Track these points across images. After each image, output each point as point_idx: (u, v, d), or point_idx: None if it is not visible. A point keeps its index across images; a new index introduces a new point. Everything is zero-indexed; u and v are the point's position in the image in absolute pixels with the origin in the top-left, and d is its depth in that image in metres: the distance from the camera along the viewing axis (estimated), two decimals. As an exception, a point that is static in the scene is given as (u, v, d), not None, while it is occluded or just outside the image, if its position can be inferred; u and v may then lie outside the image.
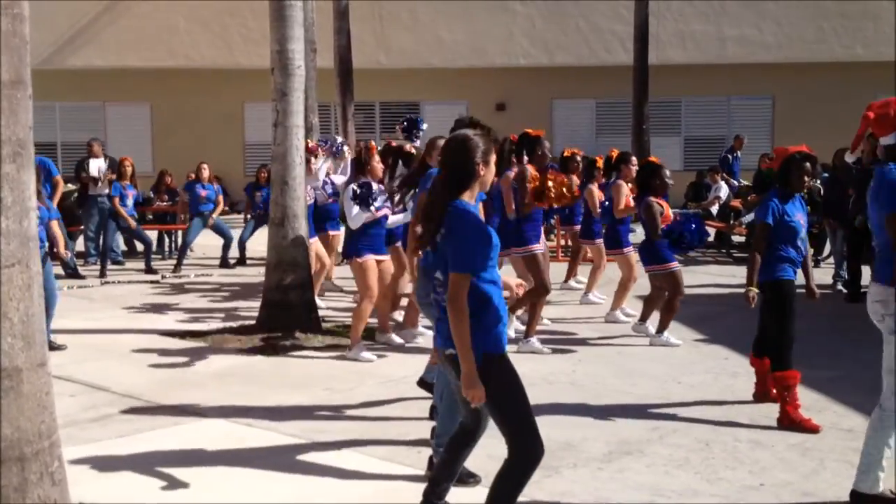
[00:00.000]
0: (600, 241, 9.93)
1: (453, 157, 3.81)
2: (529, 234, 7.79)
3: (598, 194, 10.06)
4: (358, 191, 7.30)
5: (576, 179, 10.43)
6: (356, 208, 7.32)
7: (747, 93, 22.73)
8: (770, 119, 22.94)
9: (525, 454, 3.69)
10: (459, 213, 3.72)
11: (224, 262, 13.33)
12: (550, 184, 7.60)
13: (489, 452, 4.42)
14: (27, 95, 3.25)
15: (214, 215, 13.30)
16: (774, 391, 6.10)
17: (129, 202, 12.90)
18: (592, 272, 10.25)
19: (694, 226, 7.71)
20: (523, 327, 8.11)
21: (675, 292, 7.97)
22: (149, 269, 12.69)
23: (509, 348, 3.86)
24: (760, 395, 6.21)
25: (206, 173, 13.48)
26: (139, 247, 14.84)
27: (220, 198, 13.74)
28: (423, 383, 5.89)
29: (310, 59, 14.44)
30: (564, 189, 7.71)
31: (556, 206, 7.98)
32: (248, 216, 14.22)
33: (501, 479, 3.74)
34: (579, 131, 22.43)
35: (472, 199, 3.83)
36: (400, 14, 21.81)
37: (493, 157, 3.86)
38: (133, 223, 12.85)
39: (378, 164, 7.68)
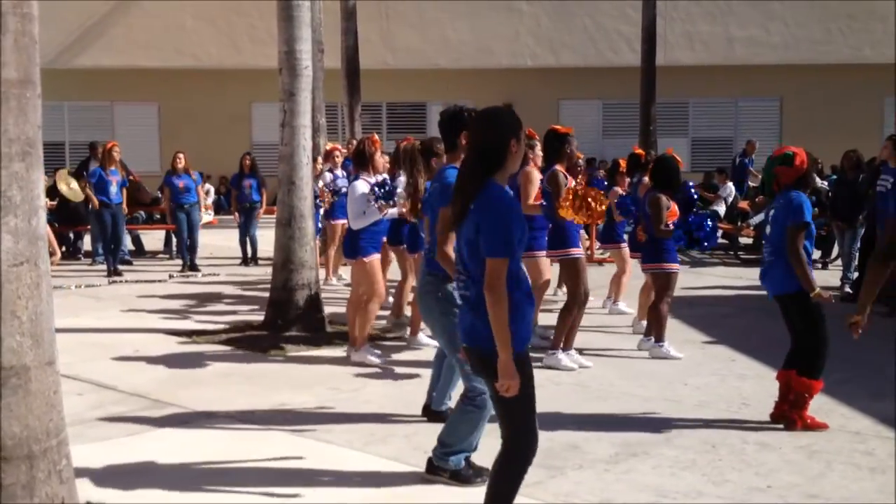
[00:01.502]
0: (624, 245, 9.37)
1: (485, 134, 3.61)
2: (571, 233, 7.24)
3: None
4: (378, 189, 6.99)
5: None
6: (367, 207, 7.05)
7: (755, 94, 22.70)
8: (778, 120, 22.92)
9: (523, 450, 3.65)
10: (495, 193, 3.52)
11: (191, 265, 12.78)
12: (591, 202, 6.91)
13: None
14: (36, 95, 3.26)
15: (204, 213, 13.15)
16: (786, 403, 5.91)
17: (113, 188, 12.40)
18: (616, 278, 9.58)
19: (710, 223, 7.46)
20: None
21: (664, 294, 7.53)
22: (114, 270, 12.33)
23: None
24: (778, 416, 5.78)
25: (181, 164, 13.11)
26: (147, 246, 14.89)
27: (200, 189, 13.55)
28: (427, 410, 5.80)
29: (317, 59, 14.43)
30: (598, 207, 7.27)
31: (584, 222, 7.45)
32: (237, 212, 13.61)
33: (498, 475, 3.70)
34: (586, 132, 22.40)
35: (503, 182, 3.63)
36: (407, 14, 21.83)
37: (524, 136, 3.69)
38: (94, 201, 12.24)
39: (380, 158, 7.59)
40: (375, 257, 7.32)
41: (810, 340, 5.64)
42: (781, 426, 5.64)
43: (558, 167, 7.29)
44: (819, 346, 5.61)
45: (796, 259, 5.49)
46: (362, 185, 7.19)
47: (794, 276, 5.52)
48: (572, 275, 7.21)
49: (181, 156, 13.23)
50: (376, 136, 7.79)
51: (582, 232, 9.52)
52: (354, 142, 13.58)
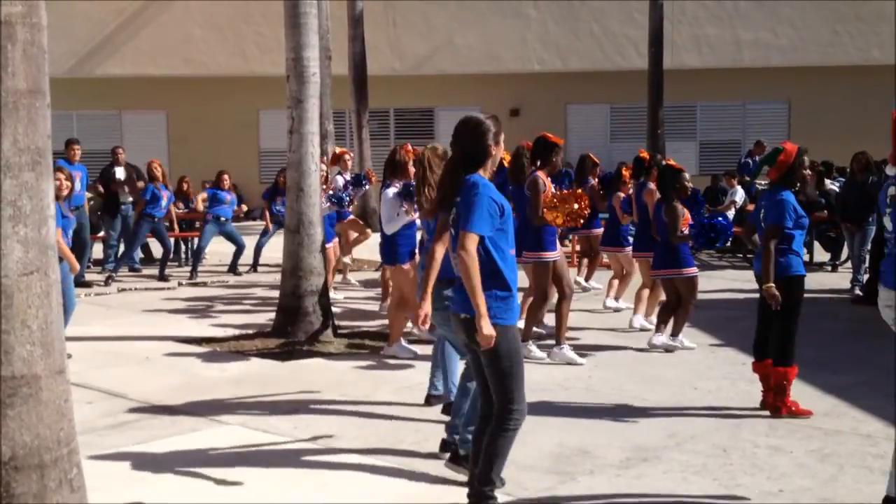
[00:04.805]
0: (629, 248, 9.51)
1: (467, 139, 4.13)
2: (546, 239, 7.49)
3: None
4: (405, 191, 7.20)
5: (594, 181, 10.36)
6: (398, 212, 7.24)
7: (763, 97, 22.63)
8: (786, 123, 22.84)
9: (515, 415, 4.11)
10: (473, 182, 4.06)
11: (233, 268, 13.22)
12: (575, 206, 7.21)
13: (512, 457, 4.40)
14: (45, 104, 3.27)
15: (229, 221, 13.33)
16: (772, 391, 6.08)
17: (164, 203, 12.80)
18: (622, 280, 9.79)
19: (724, 220, 7.65)
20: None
21: (690, 297, 7.90)
22: (161, 277, 12.59)
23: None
24: (765, 405, 6.09)
25: (226, 184, 13.50)
26: (156, 254, 14.91)
27: (236, 208, 13.87)
28: (445, 406, 5.79)
29: (325, 66, 14.47)
30: (579, 213, 7.39)
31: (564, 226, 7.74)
32: (269, 224, 13.77)
33: (494, 438, 4.13)
34: (594, 136, 22.40)
35: (486, 175, 4.14)
36: (414, 21, 21.85)
37: (502, 137, 4.19)
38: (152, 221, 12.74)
39: (412, 168, 7.62)
40: (412, 263, 7.44)
41: (781, 327, 5.89)
42: (794, 431, 5.63)
43: (540, 173, 7.49)
44: (788, 333, 5.88)
45: (766, 254, 5.83)
46: (394, 191, 7.35)
47: (779, 264, 5.82)
48: (540, 277, 7.50)
49: (226, 176, 13.60)
50: (410, 146, 7.81)
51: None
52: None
